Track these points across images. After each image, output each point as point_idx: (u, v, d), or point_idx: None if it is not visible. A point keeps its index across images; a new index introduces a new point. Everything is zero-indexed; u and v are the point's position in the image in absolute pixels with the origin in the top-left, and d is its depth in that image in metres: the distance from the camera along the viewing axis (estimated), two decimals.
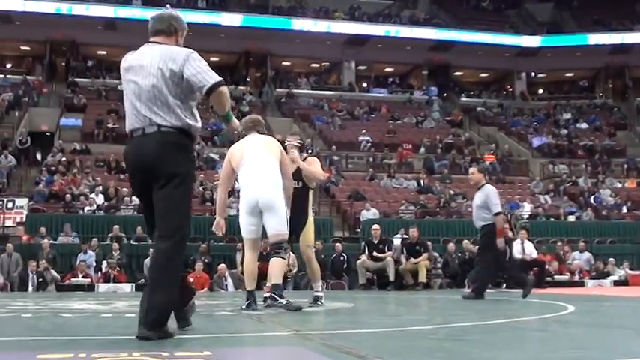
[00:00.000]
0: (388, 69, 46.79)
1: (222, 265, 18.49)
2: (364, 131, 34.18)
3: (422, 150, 33.54)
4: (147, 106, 5.07)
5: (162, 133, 5.03)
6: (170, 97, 5.12)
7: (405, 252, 18.23)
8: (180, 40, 5.70)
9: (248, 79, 42.10)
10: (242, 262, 17.24)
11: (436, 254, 19.56)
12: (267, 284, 8.30)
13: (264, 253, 16.27)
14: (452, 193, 27.74)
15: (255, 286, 8.32)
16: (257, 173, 7.95)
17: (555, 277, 20.27)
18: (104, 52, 42.95)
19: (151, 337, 4.67)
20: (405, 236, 19.65)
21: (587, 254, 21.88)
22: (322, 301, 9.08)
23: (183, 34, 5.80)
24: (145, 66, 5.21)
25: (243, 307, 8.04)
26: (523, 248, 18.86)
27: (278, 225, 7.99)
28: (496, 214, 11.33)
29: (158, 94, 5.07)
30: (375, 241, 18.29)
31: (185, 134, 5.16)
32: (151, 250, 16.66)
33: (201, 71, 5.37)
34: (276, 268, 8.04)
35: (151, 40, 5.56)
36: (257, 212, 7.99)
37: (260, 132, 8.40)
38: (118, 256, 19.09)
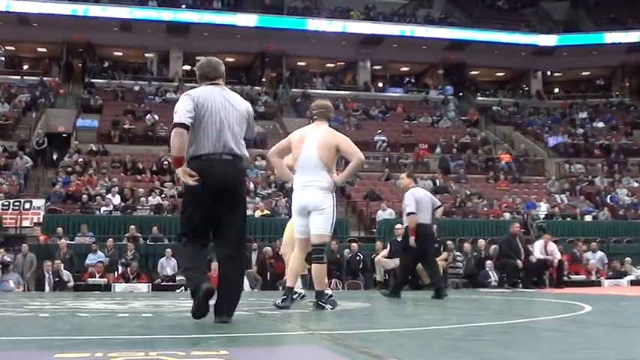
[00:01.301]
0: (404, 68, 46.76)
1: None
2: (380, 131, 34.15)
3: (438, 149, 33.50)
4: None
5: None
6: None
7: None
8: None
9: (263, 80, 42.15)
10: (257, 262, 17.36)
11: (458, 253, 19.47)
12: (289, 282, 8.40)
13: (279, 253, 16.38)
14: (468, 192, 27.69)
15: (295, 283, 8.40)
16: (309, 180, 8.06)
17: (572, 277, 20.17)
18: (120, 53, 43.17)
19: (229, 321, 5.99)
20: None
21: (600, 254, 21.75)
22: (301, 298, 9.39)
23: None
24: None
25: (279, 302, 8.06)
26: (546, 250, 18.75)
27: (323, 225, 8.14)
28: (408, 214, 11.88)
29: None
30: (399, 240, 18.25)
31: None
32: (167, 250, 16.77)
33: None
34: (319, 274, 8.16)
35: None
36: (306, 213, 8.10)
37: (330, 119, 8.48)
38: (131, 256, 19.13)
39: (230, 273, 6.12)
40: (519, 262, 17.67)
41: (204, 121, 6.00)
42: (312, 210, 8.03)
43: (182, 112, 5.96)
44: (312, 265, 8.17)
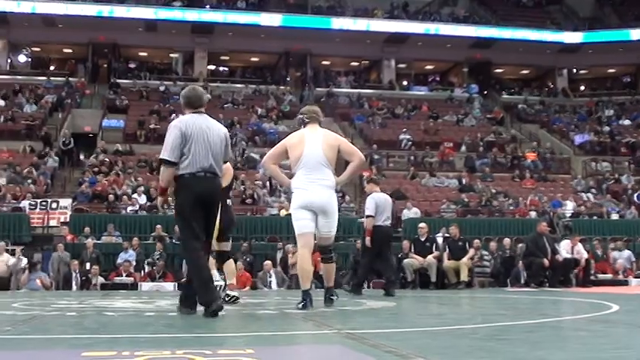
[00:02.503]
0: (428, 67, 46.68)
1: (267, 262, 18.56)
2: (405, 129, 34.08)
3: (463, 148, 33.38)
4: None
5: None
6: None
7: (447, 250, 18.11)
8: None
9: (288, 79, 42.18)
10: (281, 262, 17.42)
11: (485, 252, 19.37)
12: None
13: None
14: (493, 191, 27.56)
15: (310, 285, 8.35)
16: (316, 178, 8.15)
17: (599, 276, 20.02)
18: (145, 54, 43.43)
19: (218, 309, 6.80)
20: (446, 235, 19.54)
21: (627, 252, 21.53)
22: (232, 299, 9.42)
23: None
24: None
25: (300, 306, 8.04)
26: (573, 250, 18.62)
27: (333, 227, 8.37)
28: (367, 217, 12.95)
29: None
30: (422, 239, 18.20)
31: None
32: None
33: None
34: (331, 272, 8.73)
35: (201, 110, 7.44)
36: (311, 212, 8.17)
37: (321, 123, 8.66)
38: (158, 256, 19.21)
39: (207, 268, 7.17)
40: (546, 261, 17.56)
41: (191, 146, 7.00)
42: (320, 209, 8.16)
43: (171, 148, 6.99)
44: (325, 264, 8.56)
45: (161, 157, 7.07)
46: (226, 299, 9.15)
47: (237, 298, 9.60)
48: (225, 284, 9.90)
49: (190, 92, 7.49)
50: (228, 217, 9.50)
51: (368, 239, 12.90)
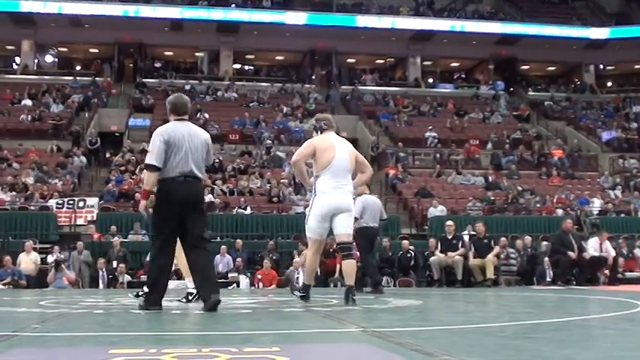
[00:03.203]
0: (454, 64, 46.55)
1: (297, 260, 18.55)
2: (430, 127, 33.99)
3: (489, 145, 33.26)
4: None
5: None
6: None
7: (473, 248, 18.05)
8: None
9: (313, 77, 42.20)
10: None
11: (511, 250, 19.28)
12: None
13: (331, 250, 16.42)
14: (520, 188, 27.45)
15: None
16: (342, 183, 8.50)
17: (626, 274, 19.87)
18: (171, 53, 43.66)
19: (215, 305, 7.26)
20: (472, 232, 19.48)
21: None
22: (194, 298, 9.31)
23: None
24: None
25: (299, 294, 8.82)
26: (601, 247, 18.47)
27: (350, 224, 8.67)
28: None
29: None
30: (449, 237, 18.16)
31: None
32: (221, 247, 16.93)
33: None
34: (352, 269, 8.76)
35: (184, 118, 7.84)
36: (329, 218, 8.50)
37: (336, 131, 9.09)
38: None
39: (207, 266, 7.68)
40: (572, 254, 17.46)
41: (173, 152, 7.41)
42: (343, 210, 8.50)
43: (155, 154, 7.37)
44: (345, 261, 8.74)
45: (146, 162, 7.49)
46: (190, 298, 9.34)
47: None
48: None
49: (177, 99, 7.88)
50: None
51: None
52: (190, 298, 9.33)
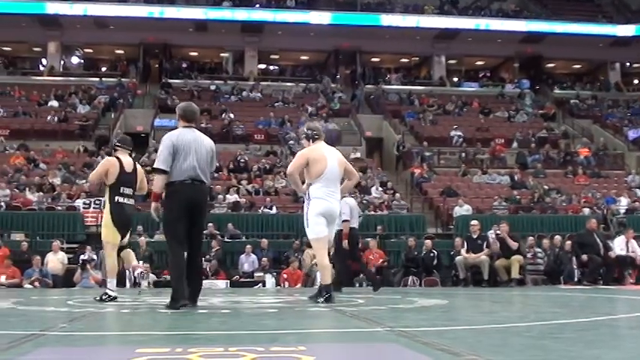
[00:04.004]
0: (479, 62, 46.37)
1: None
2: (456, 126, 33.88)
3: (514, 144, 33.10)
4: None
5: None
6: None
7: (499, 248, 17.98)
8: None
9: (338, 77, 42.17)
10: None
11: (538, 249, 19.16)
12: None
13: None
14: (546, 187, 27.28)
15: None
16: (333, 191, 9.03)
17: None
18: (196, 53, 43.78)
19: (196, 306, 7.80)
20: (497, 232, 19.40)
21: None
22: (108, 298, 9.60)
23: None
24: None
25: (322, 300, 8.70)
26: (627, 246, 18.34)
27: (332, 232, 9.38)
28: (343, 221, 13.12)
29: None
30: (474, 237, 18.12)
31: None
32: (247, 247, 17.04)
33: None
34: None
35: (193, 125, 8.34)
36: (325, 217, 8.93)
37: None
38: (214, 253, 19.35)
39: (197, 267, 8.31)
40: (584, 257, 17.40)
41: (180, 157, 7.88)
42: (333, 218, 9.07)
43: (163, 158, 7.89)
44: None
45: (155, 166, 8.02)
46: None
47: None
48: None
49: (187, 107, 8.44)
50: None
51: (345, 242, 13.50)
52: (104, 297, 9.58)
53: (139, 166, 10.11)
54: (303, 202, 9.17)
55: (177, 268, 7.96)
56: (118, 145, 10.30)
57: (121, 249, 10.15)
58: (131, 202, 10.00)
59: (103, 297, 9.52)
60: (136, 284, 18.00)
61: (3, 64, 42.29)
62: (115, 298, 9.66)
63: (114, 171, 9.75)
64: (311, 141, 9.18)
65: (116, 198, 9.79)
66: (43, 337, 4.99)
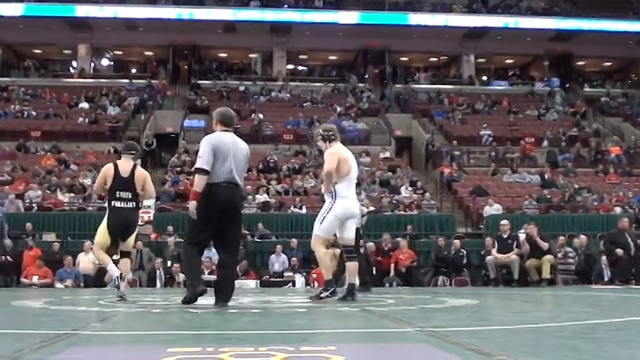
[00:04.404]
0: (508, 61, 46.15)
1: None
2: (485, 125, 33.76)
3: (545, 143, 32.89)
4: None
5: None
6: None
7: (528, 247, 17.88)
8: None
9: (366, 76, 42.14)
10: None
11: (569, 249, 19.01)
12: None
13: (386, 249, 16.36)
14: (577, 186, 27.06)
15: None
16: (354, 191, 9.42)
17: None
18: (225, 54, 43.94)
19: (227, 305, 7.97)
20: (527, 232, 19.27)
21: None
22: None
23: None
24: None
25: (328, 294, 9.14)
26: None
27: (354, 230, 9.52)
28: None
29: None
30: (505, 236, 18.03)
31: None
32: (277, 246, 17.11)
33: None
34: (356, 269, 9.63)
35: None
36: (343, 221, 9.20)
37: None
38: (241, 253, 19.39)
39: (230, 268, 8.53)
40: (619, 251, 17.27)
41: (219, 160, 8.08)
42: (352, 217, 9.33)
43: (206, 159, 8.06)
44: (351, 262, 9.32)
45: (197, 166, 8.20)
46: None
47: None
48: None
49: (226, 112, 8.63)
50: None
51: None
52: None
53: (139, 170, 10.09)
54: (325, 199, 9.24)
55: (190, 265, 8.50)
56: (121, 152, 10.47)
57: (123, 254, 10.28)
58: (129, 205, 10.01)
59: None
60: (166, 284, 18.15)
61: (34, 67, 42.68)
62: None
63: (110, 176, 9.97)
64: (328, 142, 9.33)
65: (112, 202, 10.01)
66: (75, 337, 5.02)
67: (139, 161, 10.63)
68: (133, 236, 10.27)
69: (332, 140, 9.33)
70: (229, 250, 8.38)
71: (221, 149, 8.11)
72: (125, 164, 10.04)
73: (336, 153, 9.14)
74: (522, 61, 46.01)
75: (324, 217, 9.07)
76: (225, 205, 8.11)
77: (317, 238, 9.26)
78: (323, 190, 9.44)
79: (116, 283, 9.77)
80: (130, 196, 9.96)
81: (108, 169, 10.07)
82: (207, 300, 8.29)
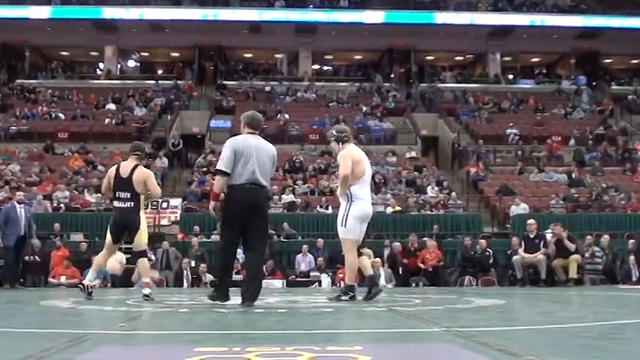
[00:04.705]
0: (534, 59, 45.93)
1: (377, 260, 18.46)
2: (511, 124, 33.58)
3: (571, 142, 32.66)
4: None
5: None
6: None
7: (555, 247, 17.79)
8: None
9: (392, 76, 42.08)
10: (388, 259, 17.47)
11: (597, 248, 18.86)
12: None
13: (412, 250, 16.34)
14: (604, 185, 26.86)
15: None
16: (368, 192, 9.49)
17: None
18: (250, 55, 44.04)
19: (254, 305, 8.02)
20: (553, 232, 19.16)
21: None
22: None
23: None
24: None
25: (347, 297, 9.20)
26: None
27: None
28: None
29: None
30: (531, 236, 17.94)
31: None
32: (303, 246, 17.12)
33: None
34: (368, 263, 9.99)
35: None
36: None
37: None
38: (267, 254, 19.41)
39: (256, 268, 8.73)
40: None
41: (242, 161, 8.26)
42: (368, 219, 9.48)
43: (226, 161, 8.31)
44: (360, 257, 9.55)
45: (217, 168, 8.57)
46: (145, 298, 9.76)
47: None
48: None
49: (254, 116, 8.82)
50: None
51: None
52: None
53: (139, 170, 9.99)
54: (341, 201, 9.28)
55: (221, 264, 8.79)
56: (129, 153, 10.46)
57: (138, 255, 10.45)
58: (127, 205, 9.95)
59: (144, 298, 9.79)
60: (193, 284, 18.20)
61: (61, 69, 43.00)
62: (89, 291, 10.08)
63: (111, 177, 10.06)
64: (341, 143, 9.38)
65: (114, 202, 10.12)
66: (102, 336, 5.08)
67: (144, 161, 10.61)
68: (142, 235, 10.14)
69: (345, 141, 9.37)
70: (255, 250, 8.50)
71: (243, 151, 8.29)
72: (127, 165, 10.09)
73: (349, 155, 9.19)
74: (549, 59, 45.76)
75: (345, 219, 9.11)
76: (249, 206, 8.29)
77: (346, 242, 9.26)
78: (338, 193, 9.36)
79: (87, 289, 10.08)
80: (128, 196, 9.91)
81: (111, 171, 10.21)
82: (234, 300, 8.33)
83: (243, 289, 8.34)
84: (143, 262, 10.33)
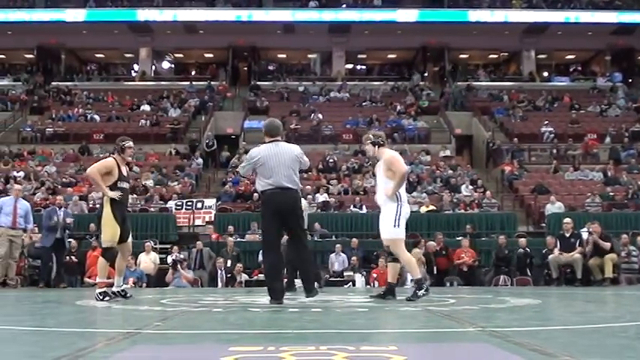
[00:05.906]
0: (569, 56, 45.56)
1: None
2: (546, 122, 33.35)
3: (607, 139, 32.35)
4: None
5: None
6: None
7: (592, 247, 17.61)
8: None
9: (426, 74, 41.96)
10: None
11: (632, 247, 18.64)
12: None
13: (439, 249, 16.24)
14: None
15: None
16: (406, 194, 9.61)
17: None
18: (284, 55, 44.14)
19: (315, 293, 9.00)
20: (590, 230, 18.98)
21: None
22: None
23: None
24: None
25: (423, 292, 9.14)
26: None
27: None
28: None
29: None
30: (567, 235, 17.79)
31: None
32: (336, 246, 17.12)
33: None
34: (396, 270, 9.92)
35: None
36: None
37: None
38: None
39: (306, 260, 9.32)
40: None
41: (266, 169, 8.73)
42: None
43: (245, 166, 9.04)
44: (392, 263, 9.62)
45: (237, 169, 9.39)
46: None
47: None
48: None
49: (270, 124, 9.17)
50: None
51: None
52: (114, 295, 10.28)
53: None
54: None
55: (268, 269, 8.96)
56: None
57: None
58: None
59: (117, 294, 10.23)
60: (227, 284, 18.27)
61: (97, 71, 43.40)
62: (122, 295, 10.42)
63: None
64: (377, 147, 9.48)
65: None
66: (138, 335, 5.11)
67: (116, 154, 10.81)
68: (105, 231, 9.89)
69: (381, 146, 9.48)
70: (299, 244, 9.12)
71: (265, 160, 8.77)
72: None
73: (397, 155, 9.42)
74: (584, 56, 45.37)
75: (398, 220, 9.16)
76: (281, 209, 8.74)
77: (398, 243, 9.23)
78: (389, 193, 9.14)
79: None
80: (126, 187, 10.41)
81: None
82: (264, 299, 8.36)
83: (303, 285, 9.28)
84: (100, 261, 10.31)
